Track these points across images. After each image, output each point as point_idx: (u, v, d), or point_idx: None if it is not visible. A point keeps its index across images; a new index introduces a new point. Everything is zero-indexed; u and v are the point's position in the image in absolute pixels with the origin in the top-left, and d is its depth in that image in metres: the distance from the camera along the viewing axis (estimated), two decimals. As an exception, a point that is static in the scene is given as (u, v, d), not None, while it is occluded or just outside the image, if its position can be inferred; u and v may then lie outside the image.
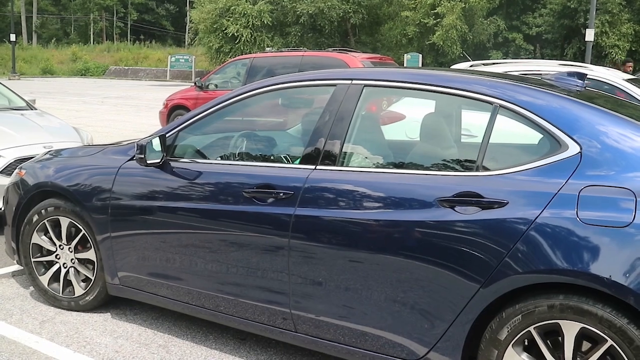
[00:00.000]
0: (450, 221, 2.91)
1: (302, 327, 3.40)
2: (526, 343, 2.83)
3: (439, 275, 2.94)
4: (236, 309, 3.63)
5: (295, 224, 3.32)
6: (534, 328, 2.76)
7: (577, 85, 3.53)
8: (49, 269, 4.47)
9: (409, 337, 3.08)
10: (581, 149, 2.81)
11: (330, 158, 3.35)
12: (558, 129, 2.89)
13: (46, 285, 4.47)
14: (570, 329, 2.68)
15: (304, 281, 3.34)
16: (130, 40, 62.42)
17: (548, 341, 2.76)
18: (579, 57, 29.22)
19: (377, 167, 3.46)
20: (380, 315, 3.15)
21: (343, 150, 3.35)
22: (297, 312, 3.39)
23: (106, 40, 63.87)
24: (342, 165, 3.33)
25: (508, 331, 2.80)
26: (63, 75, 45.01)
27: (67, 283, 4.40)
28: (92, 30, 67.48)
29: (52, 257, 4.45)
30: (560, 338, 2.72)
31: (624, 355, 2.56)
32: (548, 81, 3.61)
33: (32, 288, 4.73)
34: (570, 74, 3.66)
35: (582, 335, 2.68)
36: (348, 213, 3.18)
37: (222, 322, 3.77)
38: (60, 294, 4.41)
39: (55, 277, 4.45)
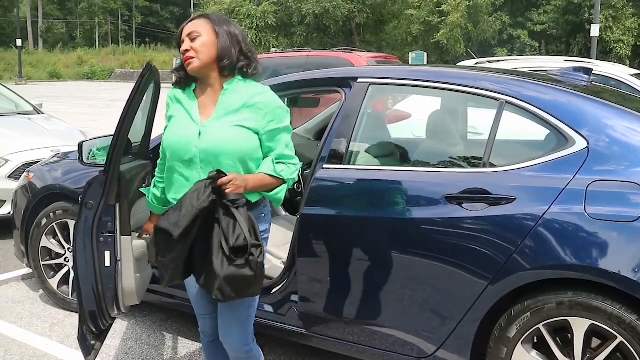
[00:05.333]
0: (458, 218, 2.90)
1: (310, 326, 3.40)
2: (535, 340, 2.82)
3: (447, 273, 2.93)
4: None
5: (299, 222, 3.33)
6: (543, 325, 2.74)
7: (583, 81, 3.52)
8: (58, 272, 4.49)
9: (417, 335, 3.08)
10: (588, 143, 2.79)
11: (337, 157, 3.34)
12: (565, 124, 2.87)
13: (55, 288, 4.48)
14: (579, 326, 2.67)
15: (309, 279, 3.35)
16: (135, 44, 62.63)
17: (557, 338, 2.76)
18: (585, 52, 29.12)
19: (383, 165, 3.45)
20: (389, 313, 3.14)
21: (349, 149, 3.34)
22: (305, 311, 3.39)
23: (112, 43, 64.12)
24: (348, 163, 3.33)
25: (517, 329, 2.79)
26: (69, 79, 45.18)
27: (76, 286, 4.41)
28: (97, 34, 67.73)
29: (61, 260, 4.47)
30: (569, 335, 2.71)
31: (634, 352, 2.55)
32: (554, 77, 3.60)
33: (41, 291, 4.75)
34: (576, 70, 3.65)
35: (591, 332, 2.67)
36: (354, 211, 3.18)
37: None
38: (70, 297, 4.42)
39: (64, 280, 4.47)
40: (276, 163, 2.60)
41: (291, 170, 2.64)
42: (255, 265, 2.37)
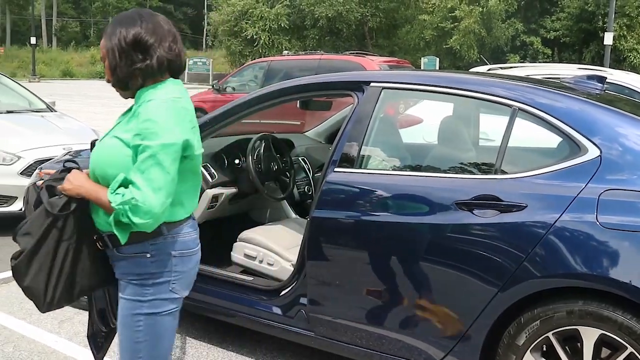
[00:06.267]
0: (469, 224, 2.89)
1: (319, 329, 3.40)
2: (544, 349, 2.80)
3: (457, 279, 2.92)
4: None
5: (310, 224, 3.33)
6: (552, 334, 2.73)
7: (597, 89, 3.51)
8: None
9: (426, 341, 3.07)
10: (601, 152, 2.78)
11: (348, 160, 3.34)
12: (577, 132, 2.86)
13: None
14: (589, 336, 2.65)
15: (318, 282, 3.34)
16: (148, 43, 62.81)
17: (567, 347, 2.74)
18: (597, 60, 28.96)
19: (394, 169, 3.45)
20: (398, 318, 3.14)
21: (361, 153, 3.34)
22: (313, 314, 3.39)
23: (125, 43, 64.28)
24: (359, 167, 3.33)
25: (526, 337, 2.78)
26: (82, 77, 45.35)
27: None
28: (111, 33, 67.93)
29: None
30: (579, 344, 2.70)
31: (644, 362, 2.54)
32: (567, 84, 3.59)
33: (50, 288, 4.76)
34: (590, 77, 3.64)
35: (601, 342, 2.65)
36: (365, 215, 3.18)
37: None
38: (79, 295, 4.43)
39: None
40: (126, 186, 2.15)
41: (123, 198, 2.10)
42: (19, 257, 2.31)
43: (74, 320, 4.28)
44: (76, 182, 2.26)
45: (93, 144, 3.78)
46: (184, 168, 2.24)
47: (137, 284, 2.31)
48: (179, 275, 2.34)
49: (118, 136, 2.25)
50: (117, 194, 2.13)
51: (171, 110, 2.20)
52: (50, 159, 5.33)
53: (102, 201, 2.18)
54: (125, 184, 2.15)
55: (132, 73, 2.27)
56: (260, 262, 3.99)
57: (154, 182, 2.09)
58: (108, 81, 2.38)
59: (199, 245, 2.43)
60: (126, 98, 2.39)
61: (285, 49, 31.34)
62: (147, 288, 2.30)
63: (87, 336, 3.21)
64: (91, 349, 3.19)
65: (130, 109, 2.34)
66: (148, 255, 2.28)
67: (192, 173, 2.33)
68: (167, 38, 2.31)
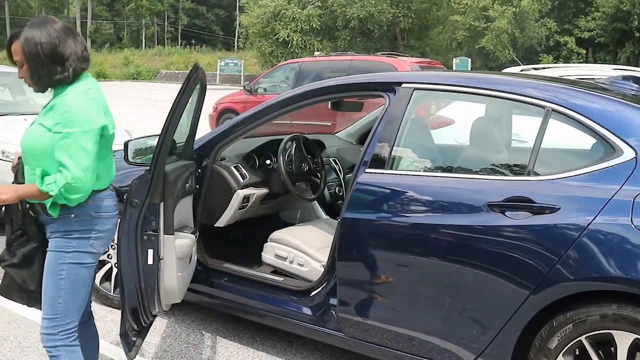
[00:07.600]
0: (500, 226, 2.87)
1: (349, 330, 3.40)
2: (577, 353, 2.77)
3: (488, 281, 2.90)
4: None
5: (340, 225, 3.33)
6: (585, 337, 2.69)
7: (633, 89, 3.46)
8: (100, 268, 4.55)
9: (456, 343, 3.05)
10: (636, 154, 2.74)
11: (379, 161, 3.33)
12: (612, 133, 2.82)
13: (98, 284, 4.54)
14: (623, 340, 2.62)
15: (349, 283, 3.34)
16: (181, 45, 63.37)
17: (600, 351, 2.70)
18: (633, 61, 28.50)
19: (426, 171, 3.44)
20: (428, 319, 3.12)
21: (392, 154, 3.33)
22: (344, 315, 3.39)
23: (157, 44, 64.98)
24: (391, 168, 3.32)
25: (558, 340, 2.75)
26: (116, 79, 45.87)
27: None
28: (144, 35, 68.75)
29: (104, 257, 4.53)
30: (612, 349, 2.66)
31: (680, 367, 2.49)
32: (602, 85, 3.54)
33: (84, 286, 4.82)
34: (625, 78, 3.59)
35: (635, 347, 2.61)
36: (396, 216, 3.17)
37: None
38: (112, 293, 4.49)
39: (107, 277, 4.54)
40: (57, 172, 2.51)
41: (57, 185, 2.47)
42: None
43: (107, 318, 4.33)
44: (9, 191, 2.54)
45: (126, 145, 3.84)
46: (100, 146, 2.61)
47: (63, 239, 2.68)
48: (98, 233, 2.74)
49: (41, 123, 2.61)
50: (49, 183, 2.49)
51: (85, 101, 2.59)
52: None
53: (36, 194, 2.55)
54: (44, 174, 2.53)
55: (52, 81, 2.64)
56: (291, 262, 4.01)
57: (81, 163, 2.49)
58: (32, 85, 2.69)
59: (117, 211, 2.85)
60: (37, 92, 2.74)
61: (317, 50, 31.35)
62: (71, 241, 2.67)
63: (120, 334, 3.26)
64: (123, 346, 3.24)
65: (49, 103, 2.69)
66: (72, 216, 2.66)
67: (105, 149, 2.71)
68: (79, 47, 2.69)
